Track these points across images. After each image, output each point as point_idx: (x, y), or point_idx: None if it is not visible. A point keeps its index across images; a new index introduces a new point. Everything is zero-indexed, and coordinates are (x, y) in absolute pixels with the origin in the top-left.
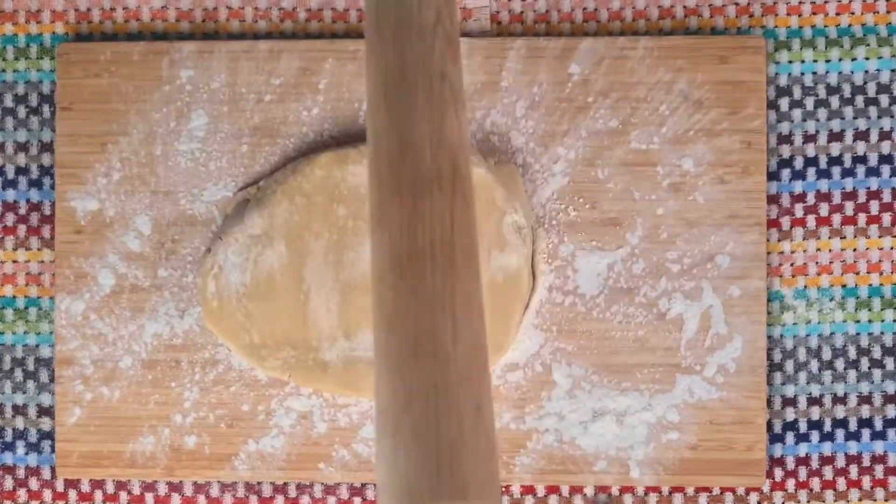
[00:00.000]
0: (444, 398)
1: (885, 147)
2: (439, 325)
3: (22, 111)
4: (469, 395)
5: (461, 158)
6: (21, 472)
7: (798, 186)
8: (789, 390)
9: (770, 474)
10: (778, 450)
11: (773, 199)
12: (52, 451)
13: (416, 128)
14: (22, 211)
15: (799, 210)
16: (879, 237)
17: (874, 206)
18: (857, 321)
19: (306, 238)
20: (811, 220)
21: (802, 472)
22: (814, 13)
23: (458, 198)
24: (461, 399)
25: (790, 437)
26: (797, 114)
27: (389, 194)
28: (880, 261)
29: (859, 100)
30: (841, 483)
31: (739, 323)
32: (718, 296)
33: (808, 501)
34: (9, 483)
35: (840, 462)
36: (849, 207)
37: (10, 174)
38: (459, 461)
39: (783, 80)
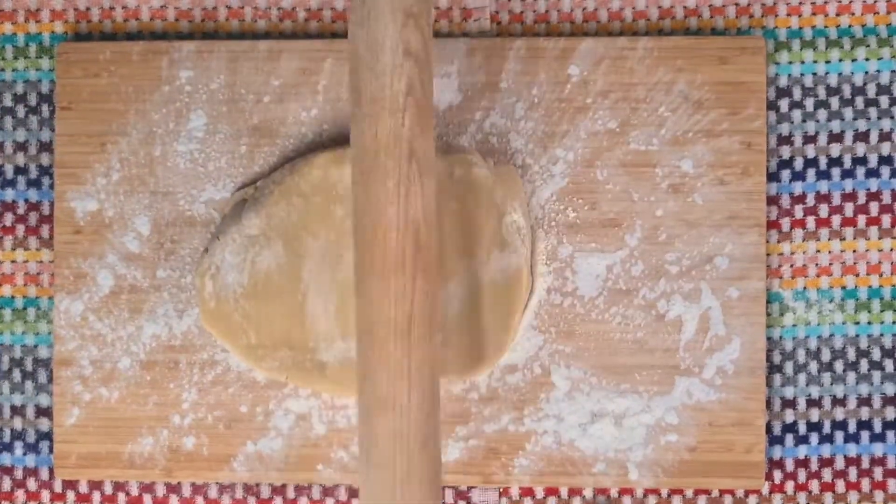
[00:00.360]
0: (399, 440)
1: (885, 148)
2: (398, 386)
3: (21, 111)
4: (419, 436)
5: (424, 232)
6: (19, 473)
7: (798, 187)
8: (788, 392)
9: (769, 476)
10: (777, 452)
11: (772, 201)
12: (51, 451)
13: (386, 212)
14: (21, 211)
15: (799, 211)
16: (879, 239)
17: (874, 208)
18: (857, 323)
19: (304, 238)
20: (811, 222)
21: (802, 475)
22: (814, 14)
23: (419, 274)
24: (412, 440)
25: (789, 439)
26: (797, 115)
27: (364, 272)
28: (880, 262)
29: (859, 101)
30: (840, 485)
31: (738, 325)
32: (717, 297)
33: (808, 503)
34: (7, 484)
35: (839, 464)
36: (848, 209)
37: (9, 174)
38: (409, 483)
39: (783, 81)
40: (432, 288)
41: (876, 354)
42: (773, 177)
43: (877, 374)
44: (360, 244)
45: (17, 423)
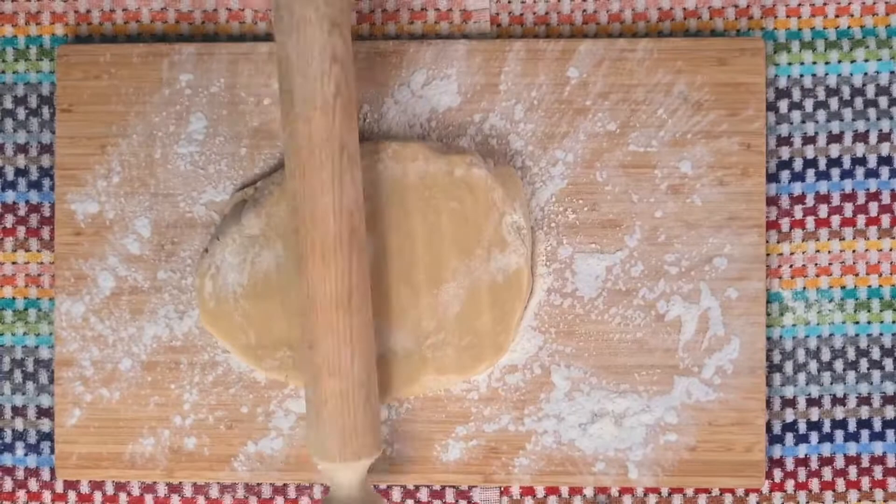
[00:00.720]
0: (345, 399)
1: (885, 149)
2: (342, 353)
3: (21, 113)
4: (362, 394)
5: (356, 216)
6: (20, 474)
7: (797, 188)
8: (788, 391)
9: (769, 475)
10: (777, 451)
11: (772, 201)
12: (52, 452)
13: (323, 200)
14: (21, 212)
15: (798, 212)
16: (878, 239)
17: (873, 208)
18: (857, 322)
19: None
20: (810, 222)
21: (802, 473)
22: (813, 15)
23: (354, 253)
24: (356, 398)
25: (789, 438)
26: (796, 116)
27: (306, 253)
28: (879, 262)
29: (858, 102)
30: (840, 484)
31: (738, 324)
32: (717, 298)
33: (808, 502)
34: (8, 484)
35: (839, 463)
36: (848, 209)
37: (10, 176)
38: (355, 434)
39: (782, 82)
40: (364, 266)
41: (875, 354)
42: (772, 177)
43: (876, 374)
44: (303, 229)
45: (19, 424)
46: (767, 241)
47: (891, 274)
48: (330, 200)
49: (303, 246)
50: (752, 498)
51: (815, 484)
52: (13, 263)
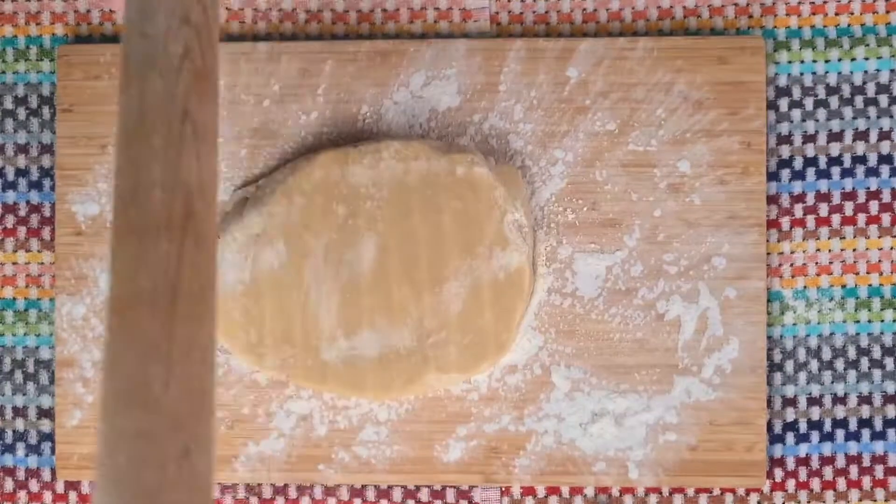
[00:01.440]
0: (147, 445)
1: (885, 147)
2: (151, 372)
3: (22, 113)
4: (176, 440)
5: (198, 199)
6: (21, 474)
7: (797, 187)
8: (789, 391)
9: (770, 475)
10: (778, 450)
11: (772, 200)
12: (53, 452)
13: (149, 170)
14: (22, 213)
15: (798, 210)
16: (879, 237)
17: (874, 207)
18: (857, 321)
19: (306, 237)
20: (811, 221)
21: (802, 473)
22: (813, 13)
23: (189, 241)
24: (167, 445)
25: (790, 438)
26: (797, 114)
27: (117, 237)
28: (880, 261)
29: (859, 100)
30: (841, 483)
31: (738, 324)
32: (717, 297)
33: (809, 502)
34: (9, 485)
35: (840, 462)
36: (848, 208)
37: (10, 176)
38: None
39: (782, 81)
40: (206, 261)
41: (876, 353)
42: (772, 176)
43: (877, 373)
44: (117, 207)
45: (20, 425)
46: (768, 240)
47: (891, 273)
48: (159, 171)
49: (116, 226)
50: (753, 497)
51: (815, 483)
52: (14, 264)
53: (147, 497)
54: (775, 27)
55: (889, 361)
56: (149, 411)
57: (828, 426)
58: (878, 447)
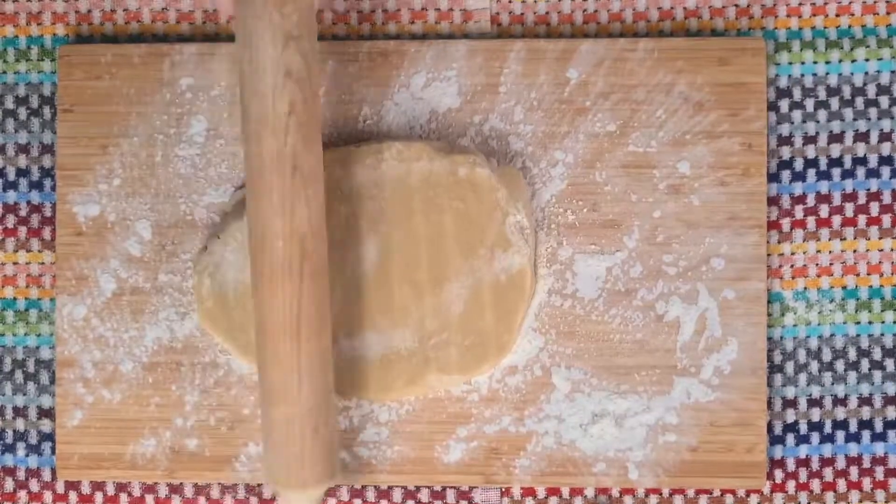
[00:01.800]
0: (291, 428)
1: (886, 148)
2: (289, 380)
3: (23, 113)
4: (309, 424)
5: (310, 241)
6: (21, 474)
7: (798, 188)
8: (789, 392)
9: (770, 476)
10: (778, 451)
11: (773, 201)
12: (53, 452)
13: (272, 223)
14: (23, 213)
15: (799, 212)
16: (879, 238)
17: (874, 208)
18: (858, 323)
19: None
20: (811, 222)
21: (803, 474)
22: (814, 15)
23: (306, 280)
24: (304, 426)
25: (790, 439)
26: (797, 115)
27: (255, 280)
28: (880, 262)
29: (859, 101)
30: (841, 485)
31: (739, 325)
32: (717, 298)
33: (809, 503)
34: (9, 485)
35: (840, 464)
36: (849, 209)
37: (11, 176)
38: (301, 465)
39: (783, 82)
40: (319, 291)
41: (877, 354)
42: (773, 177)
43: (877, 374)
44: (253, 253)
45: (20, 425)
46: (768, 242)
47: (892, 274)
48: (279, 224)
49: (253, 270)
50: (754, 499)
51: (816, 485)
52: (14, 264)
53: (295, 459)
54: (776, 28)
55: (889, 363)
56: (290, 405)
57: (828, 427)
58: (879, 449)
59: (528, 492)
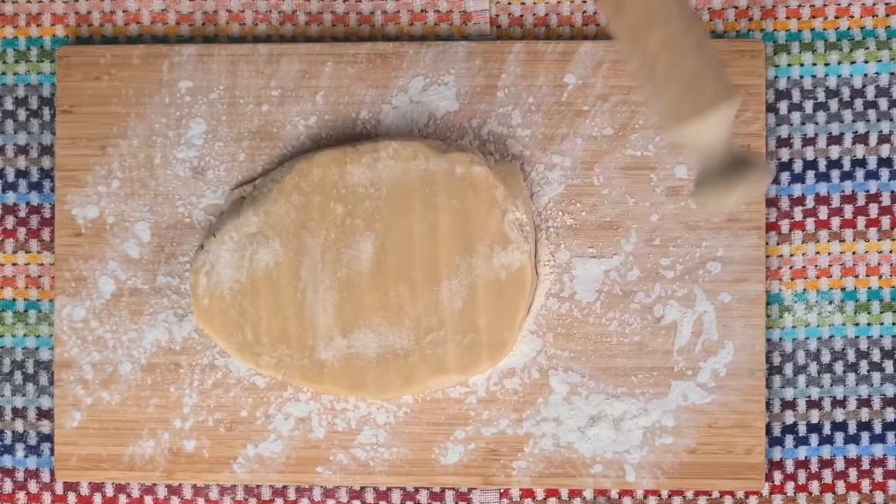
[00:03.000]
0: (674, 49)
1: (885, 150)
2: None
3: (22, 114)
4: (691, 41)
5: None
6: (20, 475)
7: (797, 189)
8: (788, 393)
9: (769, 477)
10: (777, 453)
11: (772, 203)
12: (52, 453)
13: None
14: (22, 214)
15: (798, 213)
16: (878, 240)
17: (873, 209)
18: (857, 324)
19: (303, 236)
20: (810, 224)
21: (802, 476)
22: (813, 17)
23: None
24: (685, 46)
25: (789, 441)
26: (796, 117)
27: None
28: (879, 264)
29: (858, 103)
30: (840, 486)
31: (737, 327)
32: (714, 300)
33: None
34: (8, 486)
35: (839, 465)
36: (848, 210)
37: (10, 177)
38: (695, 83)
39: (782, 84)
40: None
41: (876, 356)
42: (772, 179)
43: (876, 376)
44: None
45: (19, 426)
46: (767, 243)
47: (891, 276)
48: None
49: None
50: (752, 500)
51: (815, 486)
52: (13, 265)
53: (686, 82)
54: (775, 30)
55: (888, 364)
56: (665, 27)
57: (827, 429)
58: (878, 450)
59: (527, 493)
